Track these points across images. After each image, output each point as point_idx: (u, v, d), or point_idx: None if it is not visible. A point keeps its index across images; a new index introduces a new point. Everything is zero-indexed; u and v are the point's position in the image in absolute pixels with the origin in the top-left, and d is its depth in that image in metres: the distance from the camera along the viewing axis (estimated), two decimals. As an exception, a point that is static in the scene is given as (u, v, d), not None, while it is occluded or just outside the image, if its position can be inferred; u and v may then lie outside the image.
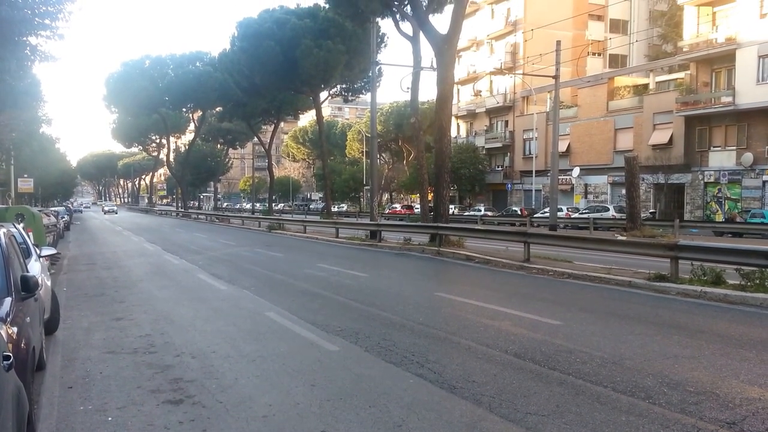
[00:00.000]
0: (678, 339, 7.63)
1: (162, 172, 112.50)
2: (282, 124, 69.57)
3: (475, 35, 55.24)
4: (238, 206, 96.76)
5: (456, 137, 54.76)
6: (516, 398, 5.46)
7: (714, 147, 36.09)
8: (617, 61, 54.00)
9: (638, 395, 5.47)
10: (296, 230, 34.16)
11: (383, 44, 41.56)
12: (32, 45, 17.86)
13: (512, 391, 5.65)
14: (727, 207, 35.29)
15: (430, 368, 6.46)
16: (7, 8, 15.40)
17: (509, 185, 52.45)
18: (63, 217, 35.27)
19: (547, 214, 33.84)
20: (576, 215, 39.18)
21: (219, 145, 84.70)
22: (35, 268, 7.94)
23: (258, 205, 79.55)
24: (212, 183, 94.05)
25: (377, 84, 33.90)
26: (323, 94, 48.06)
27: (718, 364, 6.48)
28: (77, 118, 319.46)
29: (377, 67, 33.83)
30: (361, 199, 69.72)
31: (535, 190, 47.49)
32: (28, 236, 9.51)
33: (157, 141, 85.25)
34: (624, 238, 18.49)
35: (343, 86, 47.45)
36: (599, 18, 53.26)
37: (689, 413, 5.02)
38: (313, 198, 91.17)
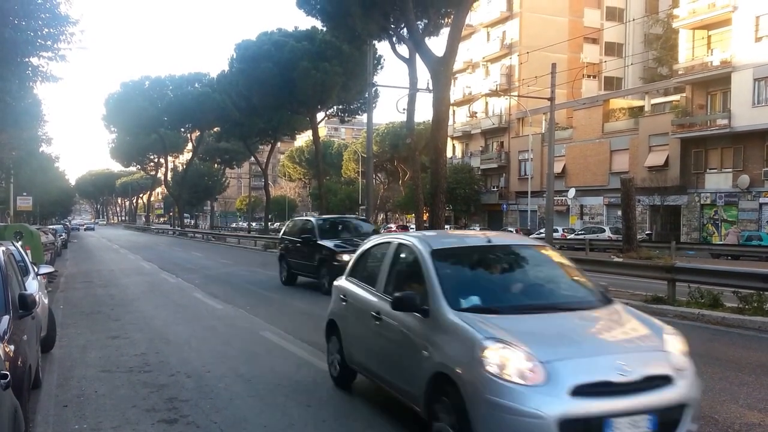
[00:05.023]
0: (675, 360, 7.59)
1: (159, 191, 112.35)
2: (279, 144, 69.77)
3: (470, 57, 55.78)
4: (234, 225, 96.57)
5: (451, 158, 55.00)
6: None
7: (710, 169, 36.26)
8: (612, 84, 54.48)
9: (636, 417, 5.43)
10: (293, 250, 33.99)
11: (380, 66, 41.83)
12: (34, 66, 17.96)
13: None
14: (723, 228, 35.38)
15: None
16: (11, 30, 15.54)
17: (504, 206, 52.58)
18: (61, 235, 35.26)
19: (543, 235, 33.87)
20: (572, 236, 39.24)
21: (216, 165, 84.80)
22: (33, 285, 7.95)
23: (254, 224, 79.49)
24: (209, 202, 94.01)
25: (373, 105, 33.98)
26: (320, 115, 48.27)
27: (717, 388, 6.46)
28: (76, 137, 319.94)
29: (373, 89, 33.93)
30: (358, 219, 69.51)
31: (531, 211, 47.58)
32: (27, 254, 9.52)
33: (156, 160, 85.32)
34: (620, 259, 18.54)
35: (340, 107, 47.68)
36: (594, 41, 53.80)
37: (687, 435, 4.99)
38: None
